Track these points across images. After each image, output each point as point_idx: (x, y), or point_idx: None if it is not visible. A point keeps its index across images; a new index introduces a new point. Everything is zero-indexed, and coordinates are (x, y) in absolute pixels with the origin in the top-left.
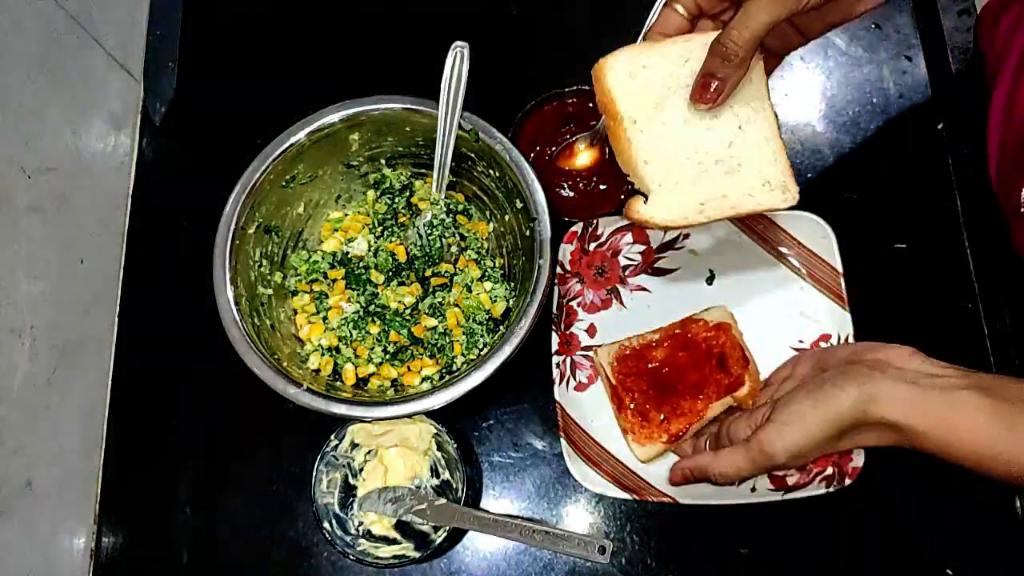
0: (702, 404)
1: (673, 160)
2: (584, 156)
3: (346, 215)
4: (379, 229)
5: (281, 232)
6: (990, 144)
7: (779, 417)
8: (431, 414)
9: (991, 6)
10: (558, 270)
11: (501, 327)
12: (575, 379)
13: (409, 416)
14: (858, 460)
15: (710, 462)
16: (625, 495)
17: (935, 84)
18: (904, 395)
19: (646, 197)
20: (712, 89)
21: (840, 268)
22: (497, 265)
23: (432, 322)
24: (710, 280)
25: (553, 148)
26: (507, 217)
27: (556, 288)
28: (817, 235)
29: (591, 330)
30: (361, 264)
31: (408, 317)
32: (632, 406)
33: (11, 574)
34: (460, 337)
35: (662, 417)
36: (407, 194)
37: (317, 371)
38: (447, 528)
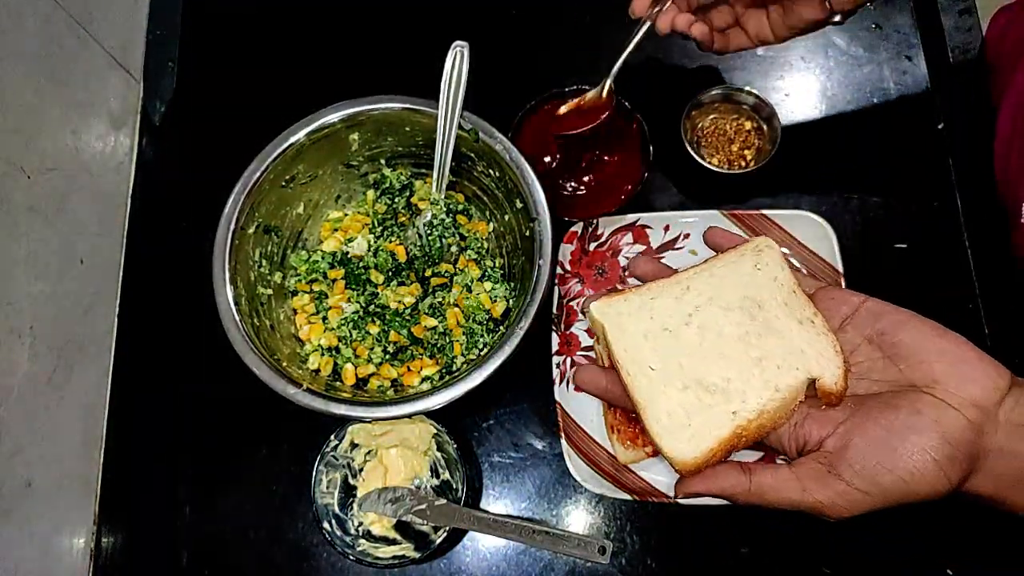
0: None
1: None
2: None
3: (346, 215)
4: (379, 229)
5: (281, 232)
6: (997, 145)
7: (851, 477)
8: (431, 414)
9: (1002, 12)
10: (558, 270)
11: (501, 327)
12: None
13: (409, 416)
14: None
15: (768, 484)
16: (625, 495)
17: (935, 84)
18: (1002, 471)
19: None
20: None
21: (840, 268)
22: (497, 265)
23: (432, 322)
24: None
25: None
26: (507, 217)
27: (556, 288)
28: (817, 235)
29: (591, 330)
30: (361, 264)
31: (408, 317)
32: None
33: (11, 574)
34: (460, 337)
35: None
36: (407, 194)
37: (317, 371)
38: (447, 528)
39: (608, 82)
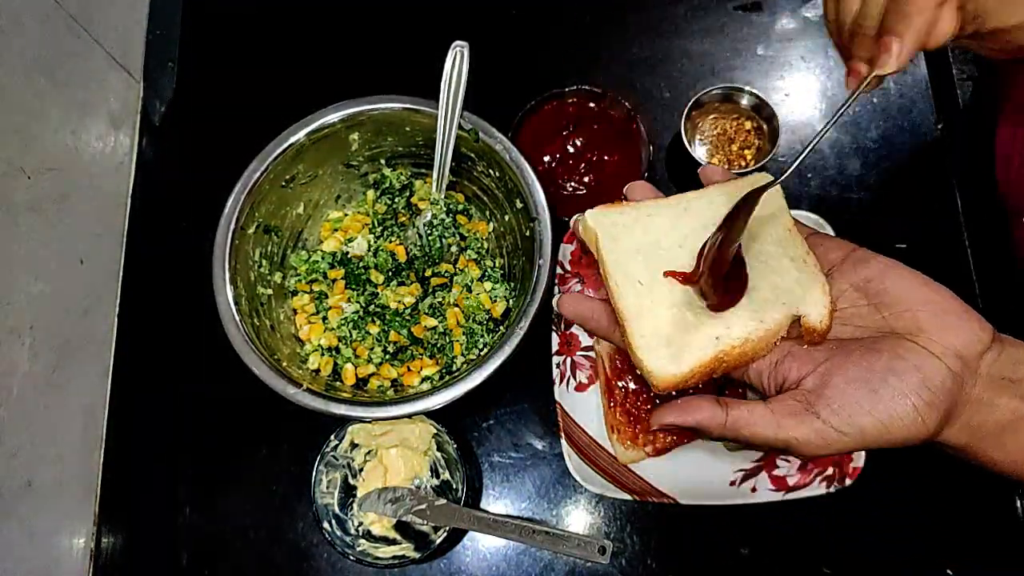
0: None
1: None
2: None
3: (346, 215)
4: (379, 229)
5: (281, 232)
6: (998, 145)
7: (828, 416)
8: (431, 414)
9: None
10: (558, 270)
11: (501, 327)
12: (575, 379)
13: (409, 416)
14: (858, 460)
15: (744, 418)
16: (625, 495)
17: (935, 84)
18: (978, 423)
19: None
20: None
21: None
22: (497, 265)
23: (432, 322)
24: None
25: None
26: (507, 217)
27: (556, 288)
28: None
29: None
30: (361, 264)
31: (408, 317)
32: (622, 403)
33: (11, 574)
34: (460, 337)
35: (649, 425)
36: (407, 194)
37: (317, 371)
38: (447, 528)
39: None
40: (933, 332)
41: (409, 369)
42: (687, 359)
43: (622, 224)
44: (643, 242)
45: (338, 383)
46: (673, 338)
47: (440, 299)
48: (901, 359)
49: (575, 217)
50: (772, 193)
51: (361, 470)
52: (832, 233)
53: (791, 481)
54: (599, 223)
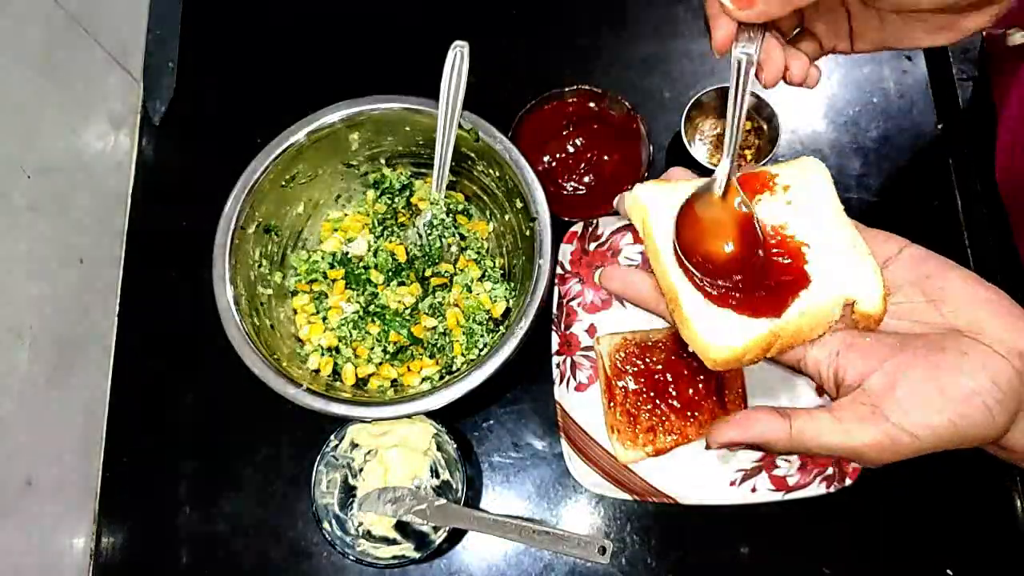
0: (692, 429)
1: None
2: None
3: (346, 215)
4: (379, 229)
5: (281, 232)
6: (999, 145)
7: (899, 418)
8: (431, 414)
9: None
10: (558, 270)
11: (501, 327)
12: (575, 379)
13: (409, 416)
14: None
15: (809, 427)
16: (625, 495)
17: (935, 84)
18: None
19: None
20: None
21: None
22: (497, 265)
23: (432, 322)
24: None
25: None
26: (507, 217)
27: (556, 288)
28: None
29: (591, 330)
30: (361, 264)
31: (408, 317)
32: (622, 403)
33: (11, 574)
34: (460, 337)
35: (648, 425)
36: (407, 194)
37: (317, 371)
38: (447, 528)
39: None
40: (996, 331)
41: (409, 369)
42: (742, 333)
43: (673, 199)
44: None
45: (338, 383)
46: (727, 314)
47: (440, 299)
48: (968, 357)
49: (619, 196)
50: (819, 177)
51: (361, 470)
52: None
53: (791, 481)
54: (652, 198)
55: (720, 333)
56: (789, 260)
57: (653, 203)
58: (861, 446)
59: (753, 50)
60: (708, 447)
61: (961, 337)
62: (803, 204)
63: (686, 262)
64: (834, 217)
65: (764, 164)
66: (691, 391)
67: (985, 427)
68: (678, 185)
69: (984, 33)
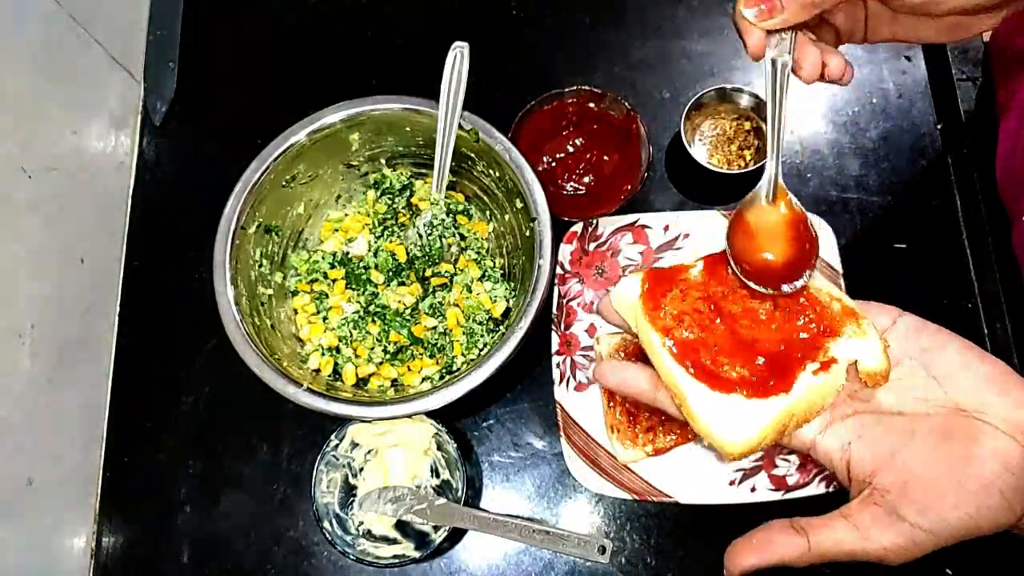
0: (692, 429)
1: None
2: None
3: (346, 215)
4: (379, 229)
5: (281, 232)
6: (1000, 144)
7: (916, 517)
8: (431, 414)
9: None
10: (558, 270)
11: (501, 327)
12: (575, 379)
13: (409, 416)
14: None
15: (828, 540)
16: (625, 495)
17: (934, 84)
18: None
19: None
20: (773, 4)
21: (840, 268)
22: (497, 265)
23: (432, 322)
24: None
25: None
26: (507, 217)
27: (556, 288)
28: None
29: (591, 330)
30: (361, 264)
31: (408, 317)
32: (622, 403)
33: (11, 573)
34: (460, 337)
35: (648, 425)
36: (407, 194)
37: (317, 371)
38: (447, 528)
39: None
40: (999, 409)
41: (409, 369)
42: (755, 421)
43: (662, 287)
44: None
45: (338, 383)
46: (737, 401)
47: (440, 299)
48: (977, 443)
49: (602, 300)
50: (824, 235)
51: (361, 470)
52: (832, 235)
53: (791, 481)
54: (634, 290)
55: (734, 428)
56: (806, 317)
57: (642, 294)
58: (881, 550)
59: (787, 50)
60: (730, 573)
61: (967, 419)
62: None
63: (739, 273)
64: (818, 281)
65: (750, 170)
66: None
67: (1003, 515)
68: (667, 272)
69: (986, 35)
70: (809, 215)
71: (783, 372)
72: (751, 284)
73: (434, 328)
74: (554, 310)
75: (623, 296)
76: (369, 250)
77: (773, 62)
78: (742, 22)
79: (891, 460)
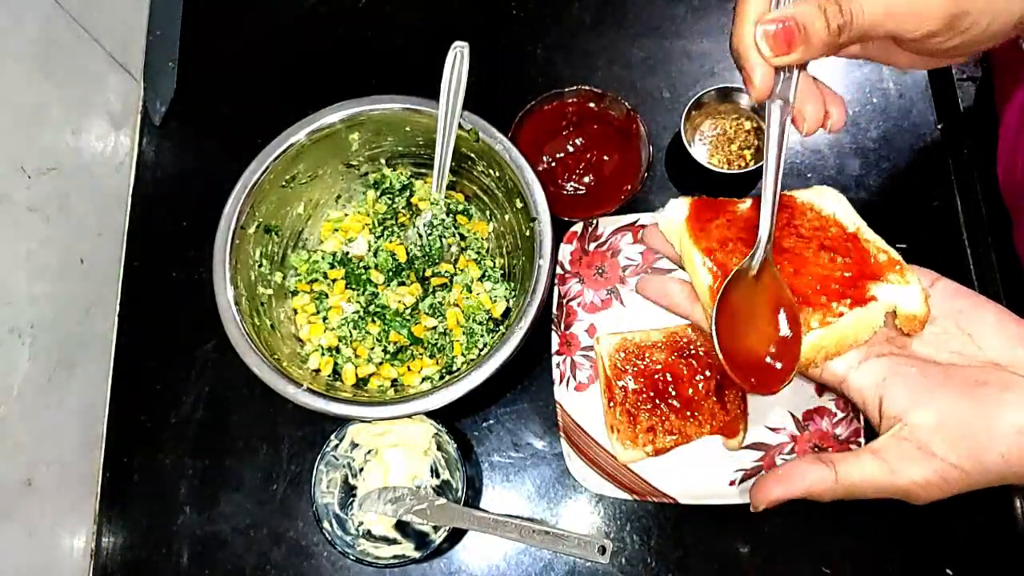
0: (692, 429)
1: None
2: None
3: (346, 215)
4: (379, 229)
5: (281, 232)
6: (1001, 143)
7: (947, 452)
8: (431, 414)
9: None
10: (558, 270)
11: (501, 327)
12: (575, 379)
13: (409, 416)
14: None
15: (855, 472)
16: (625, 495)
17: (935, 84)
18: None
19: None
20: (794, 37)
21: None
22: (497, 265)
23: (432, 322)
24: None
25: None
26: (507, 217)
27: (556, 288)
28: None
29: (591, 330)
30: (361, 264)
31: (408, 317)
32: (622, 403)
33: (11, 574)
34: (460, 337)
35: (648, 425)
36: (407, 194)
37: (317, 371)
38: (447, 528)
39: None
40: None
41: (409, 369)
42: None
43: (708, 212)
44: (730, 234)
45: (338, 383)
46: None
47: (440, 299)
48: (1011, 391)
49: (648, 228)
50: (839, 204)
51: (361, 470)
52: (845, 201)
53: None
54: (682, 211)
55: None
56: (849, 259)
57: (689, 216)
58: (910, 484)
59: (791, 90)
60: (754, 508)
61: (1002, 371)
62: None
63: (730, 372)
64: (861, 230)
65: (749, 170)
66: (691, 391)
67: None
68: (715, 202)
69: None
70: (824, 187)
71: (818, 303)
72: (738, 380)
73: (434, 328)
74: (554, 310)
75: (670, 219)
76: (369, 250)
77: (775, 105)
78: (749, 53)
79: (926, 398)
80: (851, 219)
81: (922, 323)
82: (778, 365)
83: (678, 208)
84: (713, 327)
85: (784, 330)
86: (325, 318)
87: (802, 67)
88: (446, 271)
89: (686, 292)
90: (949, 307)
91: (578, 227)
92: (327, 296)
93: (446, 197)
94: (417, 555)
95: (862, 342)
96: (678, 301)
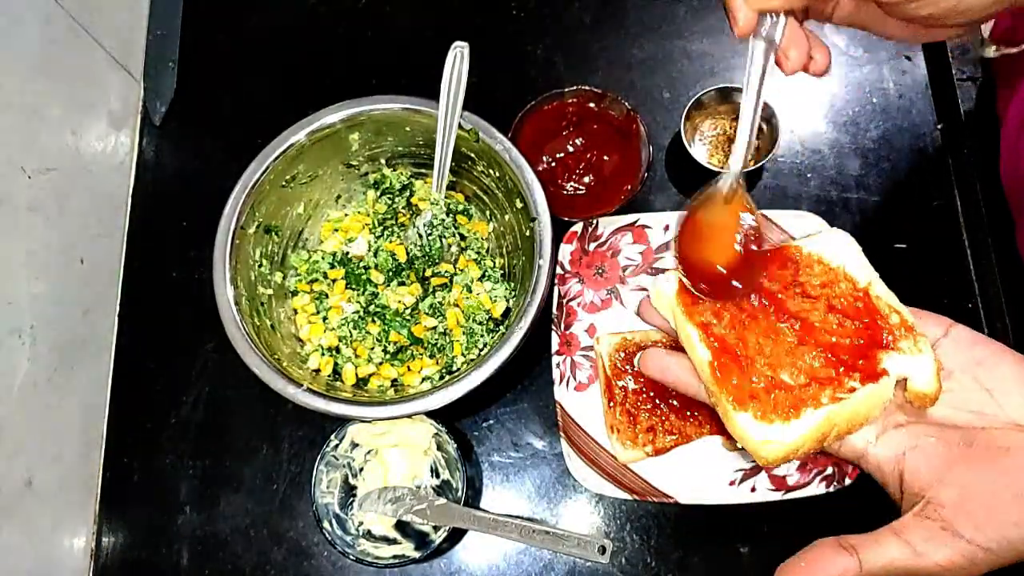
0: (692, 429)
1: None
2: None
3: (346, 215)
4: (379, 229)
5: (281, 232)
6: (1003, 143)
7: (973, 534)
8: (431, 414)
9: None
10: (558, 270)
11: (501, 327)
12: (575, 379)
13: (409, 416)
14: None
15: (879, 558)
16: (625, 495)
17: (935, 84)
18: None
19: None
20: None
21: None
22: (497, 265)
23: (432, 322)
24: None
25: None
26: (507, 217)
27: (556, 288)
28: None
29: (591, 330)
30: (361, 264)
31: (408, 317)
32: (622, 403)
33: (11, 574)
34: (460, 337)
35: (648, 425)
36: (407, 194)
37: (317, 371)
38: (447, 528)
39: (735, 179)
40: None
41: (409, 369)
42: (794, 427)
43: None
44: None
45: (338, 383)
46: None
47: (440, 299)
48: None
49: (641, 301)
50: (851, 251)
51: (361, 470)
52: (853, 242)
53: (791, 481)
54: (672, 288)
55: (770, 433)
56: (860, 323)
57: (678, 291)
58: (935, 567)
59: (776, 35)
60: None
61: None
62: (837, 274)
63: (685, 279)
64: (875, 288)
65: (749, 170)
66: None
67: None
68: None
69: (987, 32)
70: (810, 216)
71: (827, 378)
72: (691, 287)
73: (434, 328)
74: (554, 310)
75: (661, 293)
76: (369, 250)
77: (758, 45)
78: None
79: (947, 473)
80: (862, 271)
81: (933, 400)
82: (734, 283)
83: (668, 282)
84: (675, 238)
85: (743, 252)
86: (325, 318)
87: (789, 13)
88: (446, 271)
89: (685, 366)
90: (966, 358)
91: (578, 227)
92: (327, 296)
93: (446, 197)
94: (417, 555)
95: (874, 417)
96: (683, 378)
